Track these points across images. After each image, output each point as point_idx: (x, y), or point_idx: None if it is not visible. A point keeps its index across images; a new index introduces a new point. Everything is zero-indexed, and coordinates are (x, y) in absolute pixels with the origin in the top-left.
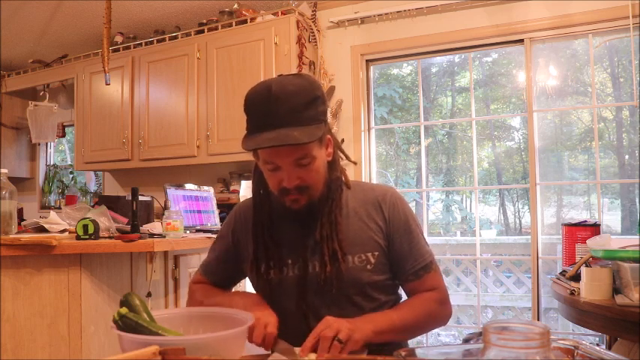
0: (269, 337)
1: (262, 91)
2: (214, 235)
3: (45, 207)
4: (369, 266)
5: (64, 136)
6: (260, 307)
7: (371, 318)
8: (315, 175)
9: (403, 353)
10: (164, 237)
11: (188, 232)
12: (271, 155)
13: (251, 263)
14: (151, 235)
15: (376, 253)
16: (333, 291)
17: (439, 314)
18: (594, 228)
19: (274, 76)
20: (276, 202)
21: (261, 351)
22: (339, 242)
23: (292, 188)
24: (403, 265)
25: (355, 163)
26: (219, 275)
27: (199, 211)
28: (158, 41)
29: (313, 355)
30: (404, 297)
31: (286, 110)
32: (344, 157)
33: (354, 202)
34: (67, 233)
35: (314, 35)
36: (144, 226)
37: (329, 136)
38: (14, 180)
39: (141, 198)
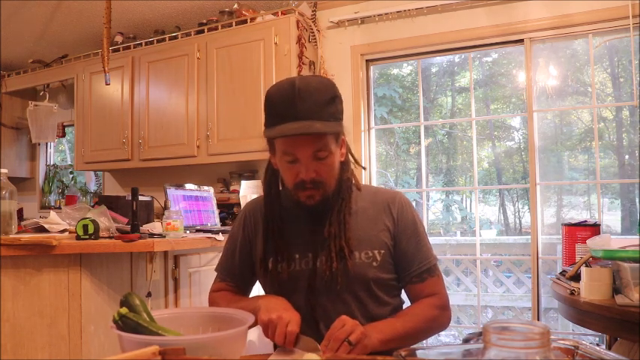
0: (290, 335)
1: (286, 86)
2: (214, 235)
3: (45, 207)
4: (374, 263)
5: (64, 136)
6: (285, 307)
7: (378, 328)
8: (330, 171)
9: (403, 353)
10: (164, 237)
11: (188, 232)
12: (292, 146)
13: (260, 259)
14: (151, 235)
15: (382, 252)
16: (339, 287)
17: (440, 320)
18: (594, 228)
19: (274, 76)
20: (286, 199)
21: (262, 351)
22: (346, 240)
23: (308, 181)
24: (408, 266)
25: (364, 168)
26: (237, 274)
27: (199, 211)
28: (158, 41)
29: (315, 355)
30: (406, 302)
31: (310, 104)
32: (353, 161)
33: (364, 202)
34: (67, 233)
35: (314, 35)
36: (144, 226)
37: (343, 137)
38: (14, 180)
39: (141, 198)
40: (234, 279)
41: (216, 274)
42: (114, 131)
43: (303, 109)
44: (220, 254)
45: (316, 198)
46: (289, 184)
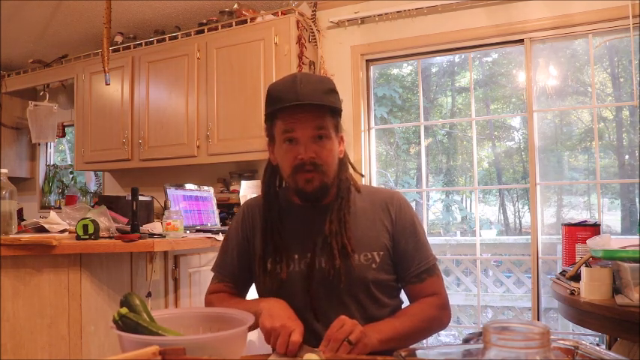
0: (293, 345)
1: (287, 78)
2: (214, 235)
3: (45, 207)
4: (374, 265)
5: (64, 136)
6: (289, 315)
7: (378, 327)
8: (329, 156)
9: (403, 353)
10: (164, 237)
11: (188, 232)
12: (293, 122)
13: (258, 259)
14: (151, 235)
15: (381, 253)
16: (341, 286)
17: (440, 320)
18: (594, 228)
19: (274, 76)
20: (285, 199)
21: (262, 351)
22: (347, 239)
23: (307, 162)
24: (407, 265)
25: (363, 176)
26: (235, 273)
27: (199, 211)
28: (158, 41)
29: (314, 356)
30: (405, 302)
31: (310, 90)
32: (352, 168)
33: (362, 202)
34: (67, 233)
35: (314, 35)
36: (144, 226)
37: (342, 135)
38: (14, 180)
39: (141, 198)
40: (232, 279)
41: (213, 274)
42: (114, 131)
43: (303, 92)
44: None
45: (315, 183)
46: (288, 169)
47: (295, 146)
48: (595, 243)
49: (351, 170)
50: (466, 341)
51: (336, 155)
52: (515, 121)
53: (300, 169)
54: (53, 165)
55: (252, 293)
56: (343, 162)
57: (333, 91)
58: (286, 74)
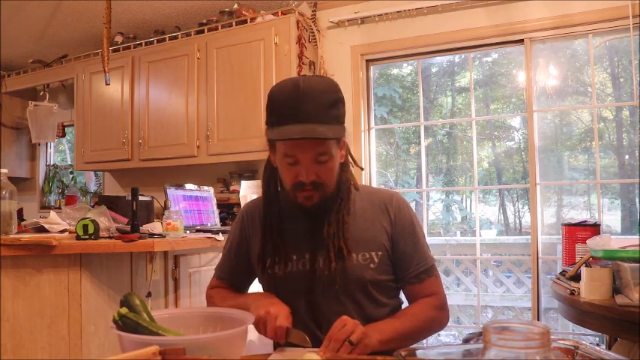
0: (280, 330)
1: (290, 87)
2: (214, 235)
3: (45, 207)
4: (372, 265)
5: (64, 136)
6: (272, 302)
7: (378, 328)
8: (330, 174)
9: (403, 353)
10: (164, 237)
11: (188, 232)
12: (294, 148)
13: (257, 258)
14: (151, 235)
15: (380, 253)
16: (337, 287)
17: (439, 320)
18: (594, 228)
19: (274, 76)
20: (285, 199)
21: (262, 351)
22: (345, 240)
23: (308, 183)
24: (406, 266)
25: (362, 169)
26: (233, 274)
27: (199, 211)
28: (158, 41)
29: (315, 355)
30: (404, 302)
31: (314, 107)
32: (352, 162)
33: (362, 203)
34: (67, 233)
35: (314, 35)
36: (144, 226)
37: (344, 139)
38: (14, 180)
39: (141, 198)
40: (229, 278)
41: (213, 273)
42: (114, 131)
43: (306, 111)
44: (221, 254)
45: (314, 199)
46: (288, 184)
47: (296, 167)
48: (595, 243)
49: (351, 167)
50: (466, 341)
51: (336, 169)
52: (515, 121)
53: (300, 188)
54: (53, 165)
55: (253, 290)
56: (344, 164)
57: (337, 101)
58: (286, 74)
